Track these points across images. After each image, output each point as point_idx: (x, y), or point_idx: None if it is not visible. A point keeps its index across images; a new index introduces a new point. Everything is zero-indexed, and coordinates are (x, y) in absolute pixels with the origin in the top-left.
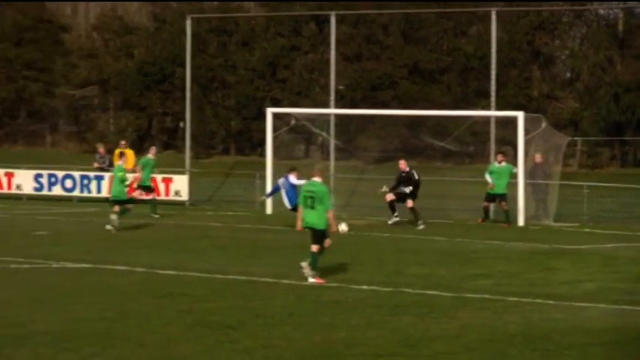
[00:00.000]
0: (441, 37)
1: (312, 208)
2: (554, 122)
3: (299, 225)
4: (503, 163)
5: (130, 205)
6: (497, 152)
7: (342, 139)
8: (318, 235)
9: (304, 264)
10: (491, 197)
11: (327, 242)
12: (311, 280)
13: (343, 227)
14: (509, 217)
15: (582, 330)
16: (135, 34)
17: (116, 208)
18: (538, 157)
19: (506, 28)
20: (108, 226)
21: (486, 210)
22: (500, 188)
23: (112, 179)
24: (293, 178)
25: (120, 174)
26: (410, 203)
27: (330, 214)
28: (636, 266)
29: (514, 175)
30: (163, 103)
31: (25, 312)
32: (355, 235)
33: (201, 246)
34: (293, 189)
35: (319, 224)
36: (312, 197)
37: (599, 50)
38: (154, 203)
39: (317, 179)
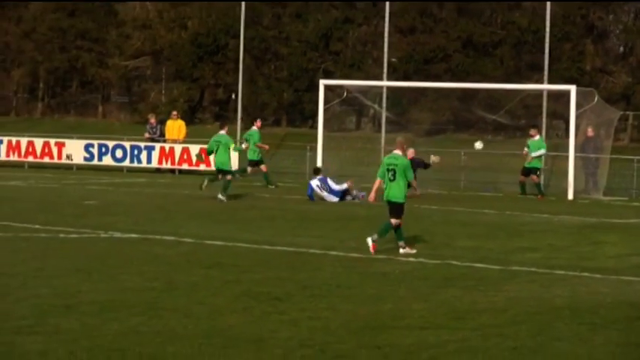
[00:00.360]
0: (495, 11)
1: (393, 180)
2: (607, 96)
3: (372, 197)
4: (537, 137)
5: (230, 176)
6: (531, 126)
7: (394, 111)
8: (399, 209)
9: (370, 240)
10: (526, 171)
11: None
12: (402, 250)
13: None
14: (541, 189)
15: (629, 304)
16: (189, 5)
17: (219, 176)
18: (590, 131)
19: (561, 1)
20: (220, 196)
21: (522, 184)
22: (532, 162)
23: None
24: (331, 183)
25: (231, 145)
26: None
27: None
28: None
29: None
30: (216, 75)
31: (73, 282)
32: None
33: (250, 217)
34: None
35: (400, 197)
36: (393, 170)
37: None
38: (265, 176)
39: (398, 152)
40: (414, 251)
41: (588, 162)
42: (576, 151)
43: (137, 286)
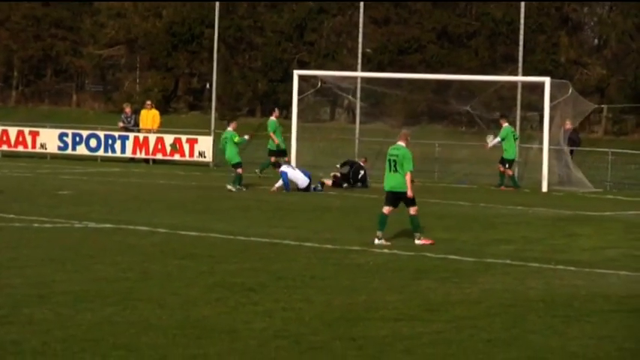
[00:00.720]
0: (470, 2)
1: (395, 171)
2: (581, 89)
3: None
4: (505, 125)
5: (240, 169)
6: (500, 115)
7: (368, 102)
8: (404, 198)
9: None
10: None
11: (387, 210)
12: (418, 241)
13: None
14: (511, 181)
15: (603, 297)
16: None
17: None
18: (568, 124)
19: None
20: (242, 188)
21: (501, 173)
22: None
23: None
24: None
25: (235, 138)
26: None
27: (408, 177)
28: None
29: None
30: (190, 64)
31: (47, 272)
32: (379, 198)
33: (224, 207)
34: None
35: (401, 187)
36: (395, 160)
37: (627, 17)
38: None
39: (401, 143)
40: (429, 242)
41: (565, 154)
42: (553, 143)
43: (111, 277)
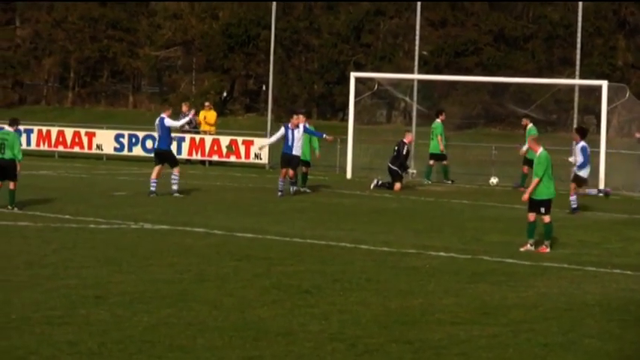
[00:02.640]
0: (527, 4)
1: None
2: (638, 92)
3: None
4: (530, 126)
5: (305, 168)
6: (523, 116)
7: (425, 104)
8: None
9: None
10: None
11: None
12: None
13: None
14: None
15: None
16: None
17: (304, 169)
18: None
19: None
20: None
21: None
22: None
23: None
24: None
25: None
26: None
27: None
28: None
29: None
30: (247, 66)
31: (103, 273)
32: (435, 201)
33: (281, 209)
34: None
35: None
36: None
37: None
38: (444, 169)
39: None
40: (547, 250)
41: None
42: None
43: (167, 278)
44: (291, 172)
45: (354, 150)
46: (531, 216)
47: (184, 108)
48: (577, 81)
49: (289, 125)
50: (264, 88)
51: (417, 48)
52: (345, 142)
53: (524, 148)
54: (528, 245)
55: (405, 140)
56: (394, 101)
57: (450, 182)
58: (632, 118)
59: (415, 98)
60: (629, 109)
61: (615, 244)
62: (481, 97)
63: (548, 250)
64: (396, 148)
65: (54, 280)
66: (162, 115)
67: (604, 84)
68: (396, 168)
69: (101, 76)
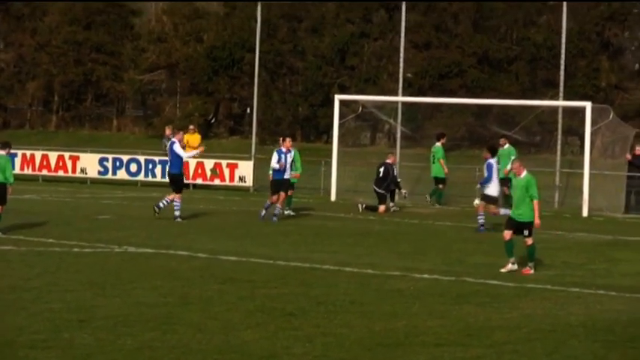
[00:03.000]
0: (511, 27)
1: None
2: (622, 113)
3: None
4: (506, 146)
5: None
6: (500, 136)
7: (409, 127)
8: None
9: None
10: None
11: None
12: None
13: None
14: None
15: None
16: (205, 18)
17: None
18: (638, 150)
19: (576, 18)
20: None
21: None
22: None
23: None
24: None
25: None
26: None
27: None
28: None
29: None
30: (231, 89)
31: (87, 296)
32: (419, 223)
33: (265, 232)
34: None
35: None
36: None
37: None
38: (439, 194)
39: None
40: (531, 272)
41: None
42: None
43: (151, 301)
44: (282, 195)
45: (339, 172)
46: (507, 234)
47: (167, 131)
48: (561, 102)
49: (283, 149)
50: (248, 110)
51: (401, 70)
52: (329, 164)
53: (508, 167)
54: (510, 265)
55: (388, 161)
56: (378, 123)
57: (438, 205)
58: (615, 139)
59: (399, 120)
60: (613, 130)
61: (599, 265)
62: (465, 119)
63: (532, 271)
64: (381, 170)
65: (38, 304)
66: (174, 139)
67: (588, 105)
68: (382, 191)
69: (85, 99)
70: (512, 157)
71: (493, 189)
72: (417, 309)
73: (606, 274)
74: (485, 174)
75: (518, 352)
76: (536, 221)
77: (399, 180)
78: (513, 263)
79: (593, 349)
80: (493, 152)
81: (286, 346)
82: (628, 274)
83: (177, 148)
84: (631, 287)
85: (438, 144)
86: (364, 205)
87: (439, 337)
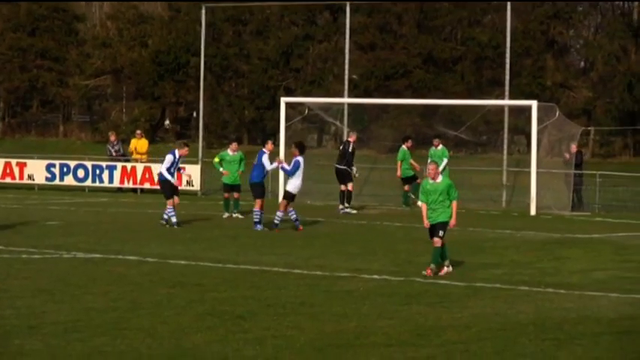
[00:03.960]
0: (455, 27)
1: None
2: (568, 111)
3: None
4: (440, 147)
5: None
6: (434, 136)
7: (356, 128)
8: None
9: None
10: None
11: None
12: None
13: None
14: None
15: (593, 319)
16: (149, 23)
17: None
18: (574, 147)
19: (521, 17)
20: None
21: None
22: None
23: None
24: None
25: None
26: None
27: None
28: None
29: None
30: (177, 93)
31: (36, 302)
32: (367, 224)
33: (213, 236)
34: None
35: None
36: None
37: (613, 39)
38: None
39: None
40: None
41: (574, 178)
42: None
43: (101, 307)
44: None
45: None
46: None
47: (112, 137)
48: (507, 101)
49: (266, 151)
50: (194, 114)
51: (346, 72)
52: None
53: (440, 168)
54: (445, 268)
55: (349, 139)
56: (325, 125)
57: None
58: (562, 137)
59: (346, 122)
60: (559, 129)
61: (548, 264)
62: (412, 120)
63: (450, 268)
64: (341, 147)
65: None
66: (264, 149)
67: (533, 104)
68: (344, 167)
69: (31, 106)
70: (445, 159)
71: (293, 185)
72: (366, 310)
73: (555, 272)
74: (288, 169)
75: (469, 351)
76: (453, 222)
77: (353, 159)
78: (448, 266)
79: (543, 347)
80: (301, 149)
81: (237, 349)
82: (576, 271)
83: (265, 158)
84: (579, 285)
85: (404, 147)
86: (345, 207)
87: (390, 338)
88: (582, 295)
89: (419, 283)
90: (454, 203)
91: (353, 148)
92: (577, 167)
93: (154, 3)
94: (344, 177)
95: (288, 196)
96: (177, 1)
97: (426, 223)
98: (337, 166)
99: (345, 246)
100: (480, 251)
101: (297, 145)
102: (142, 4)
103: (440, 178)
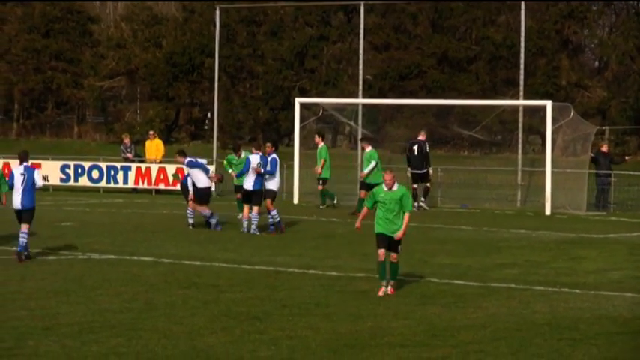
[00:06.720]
0: (470, 27)
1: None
2: (582, 111)
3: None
4: (369, 149)
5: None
6: (361, 139)
7: (370, 128)
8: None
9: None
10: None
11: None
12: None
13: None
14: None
15: (608, 319)
16: (163, 24)
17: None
18: (604, 147)
19: (535, 16)
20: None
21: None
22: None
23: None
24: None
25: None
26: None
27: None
28: None
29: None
30: (191, 94)
31: (52, 304)
32: None
33: (228, 236)
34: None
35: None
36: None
37: (627, 39)
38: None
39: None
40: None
41: (600, 178)
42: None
43: (116, 307)
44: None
45: (301, 175)
46: (382, 253)
47: (126, 140)
48: (521, 101)
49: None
50: (209, 115)
51: (360, 72)
52: (291, 167)
53: (365, 171)
54: (384, 287)
55: (421, 138)
56: (339, 126)
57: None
58: (576, 137)
59: (360, 122)
60: (574, 128)
61: (563, 263)
62: (426, 120)
63: (390, 290)
64: (414, 148)
65: (2, 313)
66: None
67: (548, 104)
68: (425, 170)
69: (46, 107)
70: (373, 162)
71: (273, 183)
72: (381, 310)
73: (570, 272)
74: (268, 167)
75: (484, 351)
76: (400, 234)
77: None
78: (386, 285)
79: (558, 347)
80: (275, 146)
81: (252, 349)
82: (591, 271)
83: (254, 160)
84: (594, 284)
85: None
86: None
87: (404, 338)
88: (597, 294)
89: (434, 283)
90: (407, 215)
91: (426, 146)
92: (607, 167)
93: (168, 4)
94: (425, 178)
95: (272, 195)
96: (191, 1)
97: (359, 225)
98: (417, 172)
99: (360, 247)
100: (495, 251)
101: (273, 142)
102: (156, 5)
103: (396, 187)
